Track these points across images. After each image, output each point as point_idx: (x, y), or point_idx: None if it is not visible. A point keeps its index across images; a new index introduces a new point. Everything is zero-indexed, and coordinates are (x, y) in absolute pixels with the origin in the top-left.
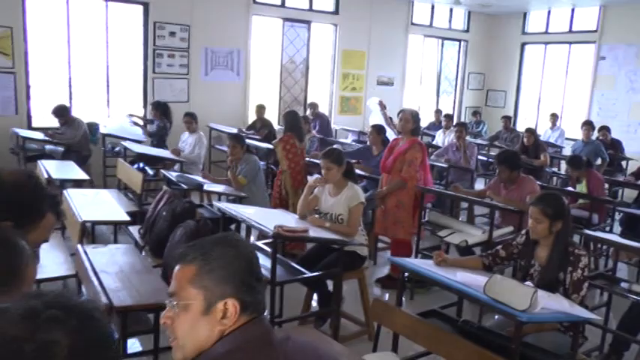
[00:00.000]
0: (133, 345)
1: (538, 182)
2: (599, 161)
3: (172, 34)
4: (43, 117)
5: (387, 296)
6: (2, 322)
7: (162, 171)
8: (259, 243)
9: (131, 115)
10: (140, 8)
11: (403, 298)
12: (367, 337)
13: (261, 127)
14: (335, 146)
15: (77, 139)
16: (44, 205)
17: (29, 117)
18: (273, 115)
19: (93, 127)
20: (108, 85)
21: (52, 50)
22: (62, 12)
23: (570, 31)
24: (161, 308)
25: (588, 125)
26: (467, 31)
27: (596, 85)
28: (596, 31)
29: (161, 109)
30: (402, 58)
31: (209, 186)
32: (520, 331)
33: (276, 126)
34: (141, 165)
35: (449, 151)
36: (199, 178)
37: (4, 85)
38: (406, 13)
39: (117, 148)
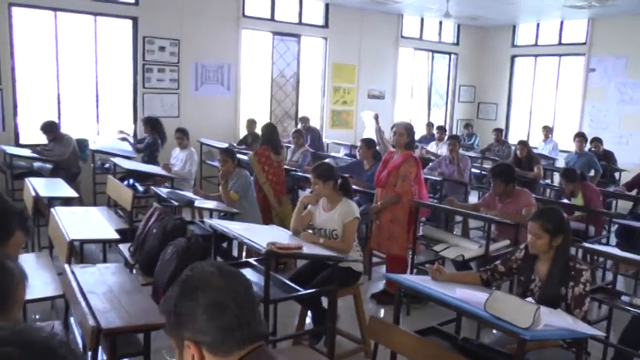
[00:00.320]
0: None
1: (533, 195)
2: (592, 173)
3: (162, 48)
4: (31, 134)
5: (382, 312)
6: None
7: (152, 187)
8: (251, 260)
9: (121, 132)
10: (129, 23)
11: (400, 314)
12: (364, 355)
13: (253, 141)
14: (327, 160)
15: (66, 156)
16: (13, 222)
17: (17, 134)
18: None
19: (82, 144)
20: (97, 101)
21: (40, 66)
22: (50, 27)
23: (560, 44)
24: (151, 329)
25: (581, 137)
26: (457, 44)
27: (587, 96)
28: (585, 43)
29: (151, 124)
30: (393, 71)
31: (200, 202)
32: (523, 349)
33: None
34: (131, 181)
35: (442, 165)
36: (190, 195)
37: None
38: (396, 26)
39: (107, 165)
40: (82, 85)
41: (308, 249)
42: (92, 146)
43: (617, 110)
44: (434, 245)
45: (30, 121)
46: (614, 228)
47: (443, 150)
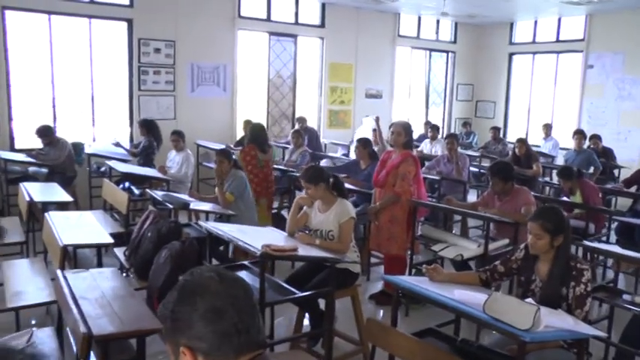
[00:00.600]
0: None
1: (531, 193)
2: (591, 170)
3: (157, 50)
4: (26, 138)
5: (381, 313)
6: None
7: (147, 190)
8: (247, 262)
9: (118, 144)
10: (124, 25)
11: (398, 314)
12: (362, 357)
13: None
14: (324, 161)
15: (61, 160)
16: None
17: (12, 138)
18: None
19: (78, 147)
20: (93, 104)
21: (34, 69)
22: (44, 30)
23: (557, 41)
24: (145, 334)
25: (580, 134)
26: (454, 42)
27: (585, 93)
28: (583, 39)
29: (147, 127)
30: (390, 70)
31: (195, 204)
32: (523, 350)
33: None
34: (126, 185)
35: (440, 163)
36: (185, 197)
37: None
38: (393, 24)
39: (102, 168)
40: (78, 89)
41: (304, 251)
42: (88, 150)
43: (616, 107)
44: (432, 245)
45: (25, 126)
46: (614, 225)
47: (437, 149)
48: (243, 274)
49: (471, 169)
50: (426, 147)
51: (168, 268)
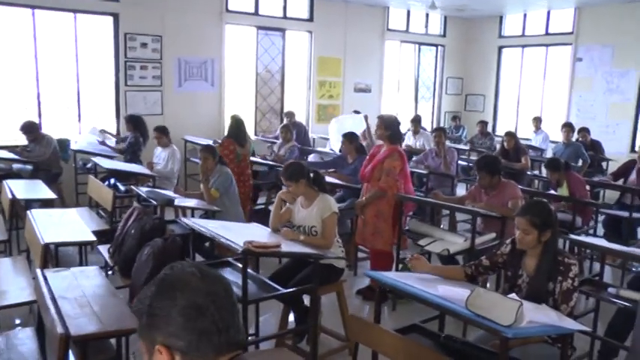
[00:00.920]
0: None
1: (520, 186)
2: (580, 163)
3: (144, 45)
4: (10, 135)
5: (367, 308)
6: None
7: (132, 187)
8: (230, 259)
9: (103, 132)
10: (110, 19)
11: (385, 309)
12: (348, 352)
13: None
14: (312, 156)
15: (46, 157)
16: None
17: None
18: (249, 125)
19: (64, 144)
20: (79, 100)
21: (18, 65)
22: (28, 25)
23: (547, 34)
24: (124, 334)
25: (568, 127)
26: (443, 35)
27: (574, 86)
28: (572, 32)
29: (133, 123)
30: (379, 64)
31: (180, 201)
32: (506, 346)
33: (252, 136)
34: (112, 181)
35: (428, 157)
36: (170, 193)
37: None
38: (382, 18)
39: (88, 165)
40: (63, 84)
41: (287, 247)
42: (74, 146)
43: (604, 100)
44: (419, 239)
45: (9, 122)
46: (601, 218)
47: (420, 142)
48: (226, 271)
49: (460, 162)
50: (409, 140)
51: (150, 265)
